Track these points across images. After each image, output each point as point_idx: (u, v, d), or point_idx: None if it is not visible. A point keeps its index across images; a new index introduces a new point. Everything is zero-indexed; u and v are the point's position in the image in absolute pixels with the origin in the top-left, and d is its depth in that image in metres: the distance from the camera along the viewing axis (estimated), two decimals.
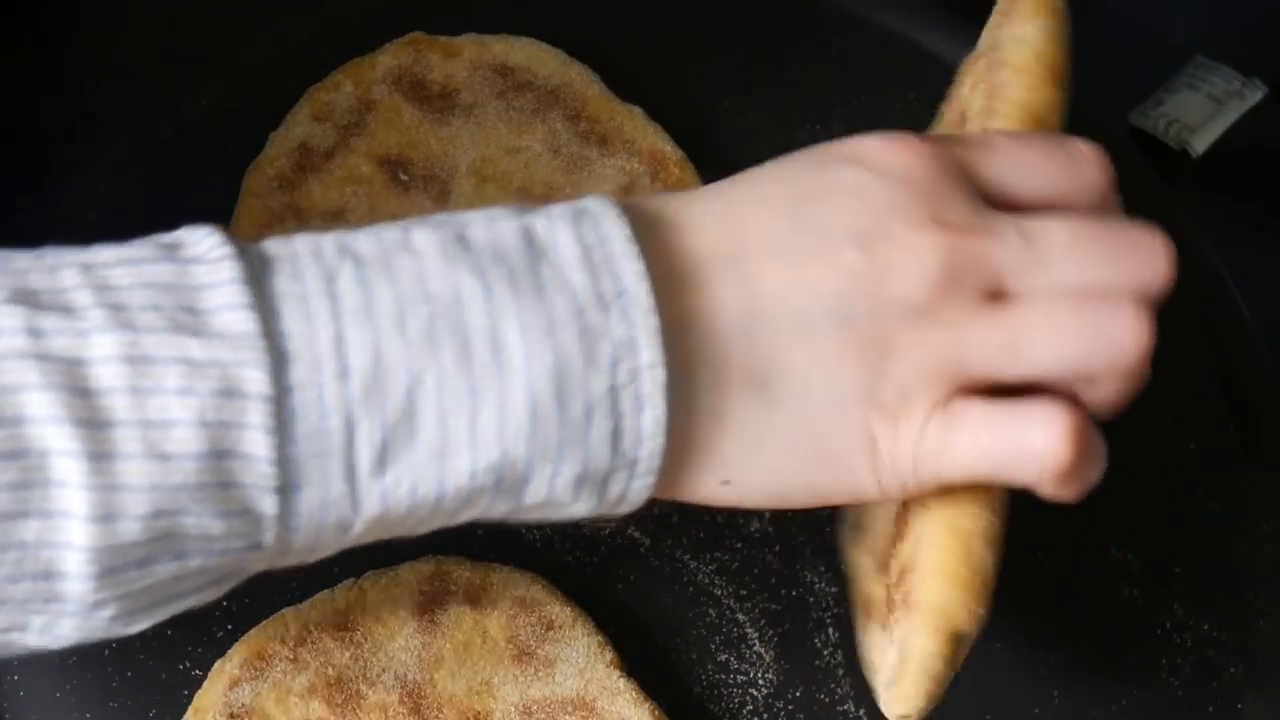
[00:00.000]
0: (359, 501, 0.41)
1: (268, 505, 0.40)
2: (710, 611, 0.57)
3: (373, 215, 0.61)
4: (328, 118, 0.62)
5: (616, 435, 0.42)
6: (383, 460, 0.41)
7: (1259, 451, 0.61)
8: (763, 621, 0.57)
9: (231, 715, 0.54)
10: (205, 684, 0.55)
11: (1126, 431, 0.61)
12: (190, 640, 0.56)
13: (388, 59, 0.63)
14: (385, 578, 0.56)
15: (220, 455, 0.39)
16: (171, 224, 0.62)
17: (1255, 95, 0.67)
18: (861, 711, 0.56)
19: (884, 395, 0.44)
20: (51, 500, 0.38)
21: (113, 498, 0.38)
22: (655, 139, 0.63)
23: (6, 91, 0.64)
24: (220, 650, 0.56)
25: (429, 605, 0.55)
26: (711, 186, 0.47)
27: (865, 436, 0.44)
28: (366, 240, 0.42)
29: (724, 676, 0.57)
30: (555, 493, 0.43)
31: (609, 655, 0.55)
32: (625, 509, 0.44)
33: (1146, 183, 0.64)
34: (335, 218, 0.61)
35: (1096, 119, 0.65)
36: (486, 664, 0.54)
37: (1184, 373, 0.62)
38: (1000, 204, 0.45)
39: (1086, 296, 0.44)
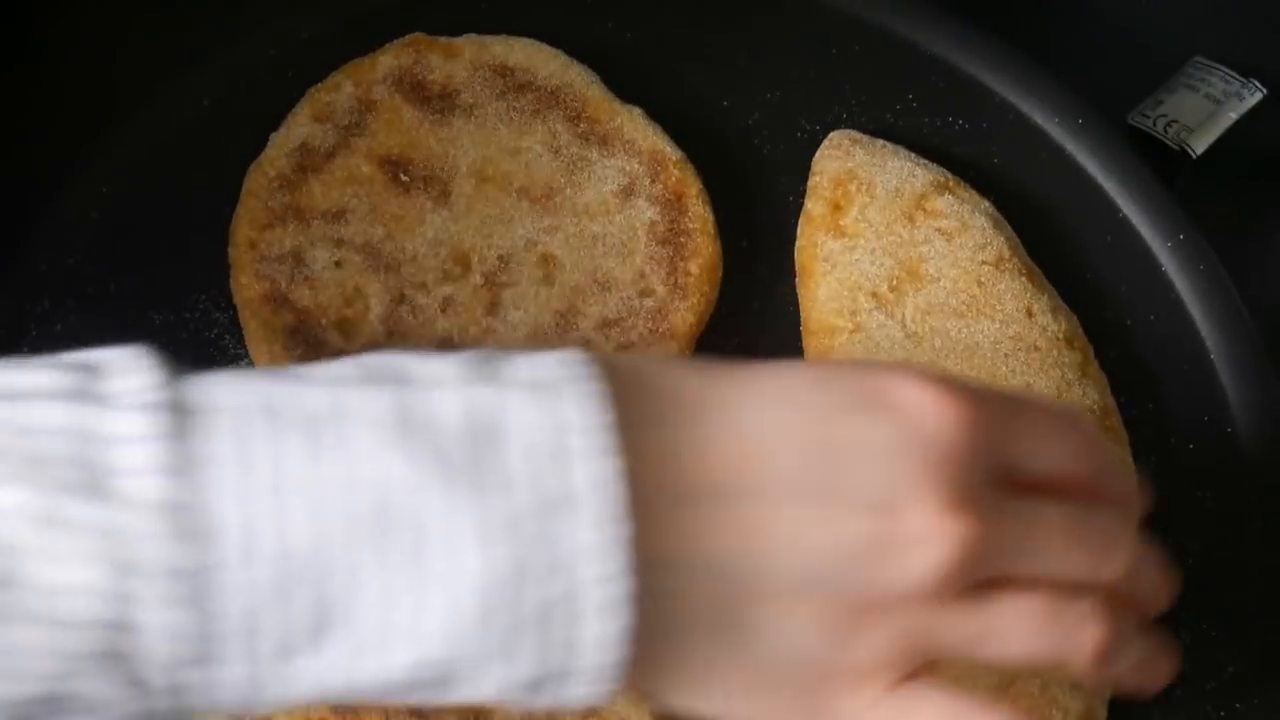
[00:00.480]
0: (264, 685, 0.38)
1: (158, 679, 0.38)
2: None
3: (373, 215, 0.61)
4: (328, 118, 0.62)
5: (567, 646, 0.39)
6: (290, 649, 0.38)
7: (1258, 451, 0.61)
8: None
9: (231, 714, 0.53)
10: None
11: (1126, 431, 0.61)
12: None
13: (388, 59, 0.63)
14: None
15: (118, 627, 0.37)
16: (173, 223, 0.62)
17: (1254, 96, 0.67)
18: None
19: (849, 661, 0.42)
20: None
21: (9, 662, 0.37)
22: (655, 139, 0.63)
23: (7, 91, 0.64)
24: None
25: None
26: (735, 383, 0.43)
27: (822, 695, 0.43)
28: (311, 395, 0.39)
29: None
30: (508, 692, 0.40)
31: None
32: (582, 706, 0.41)
33: (1146, 183, 0.64)
34: (336, 218, 0.61)
35: (1096, 119, 0.66)
36: None
37: (1183, 372, 0.62)
38: (1009, 474, 0.44)
39: (1058, 598, 0.44)
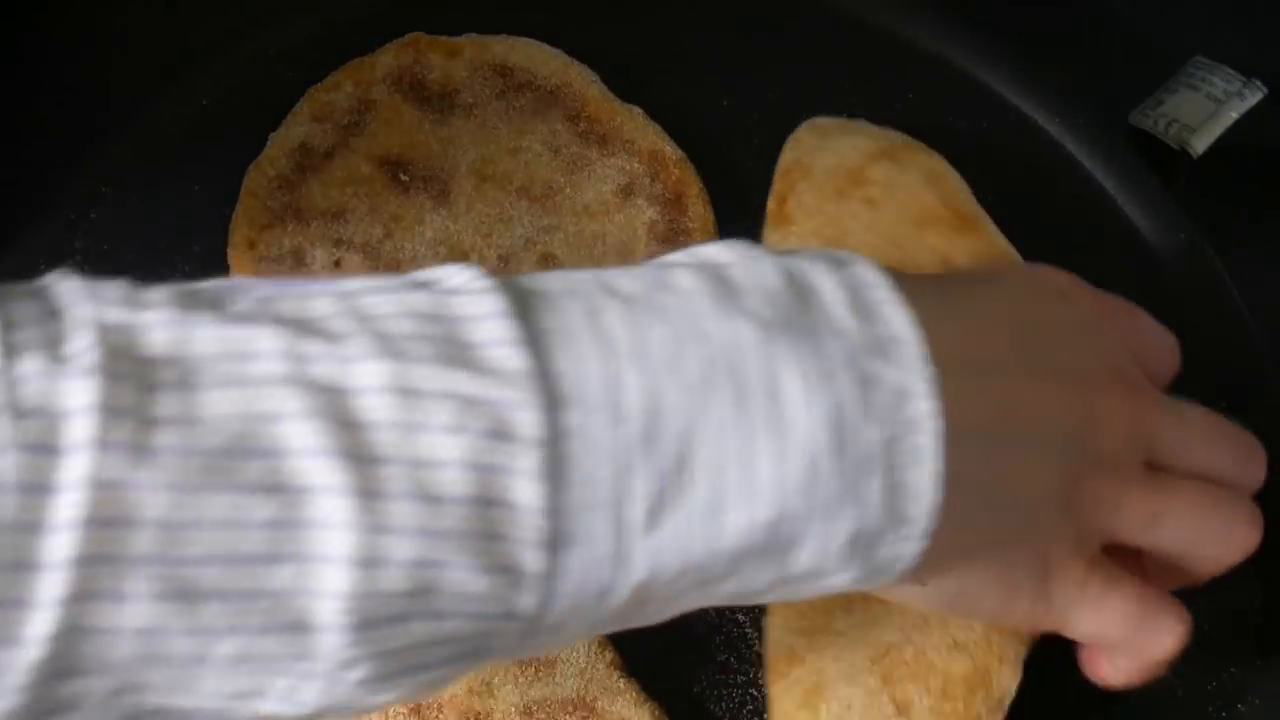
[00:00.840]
0: (627, 561, 0.38)
1: (532, 562, 0.37)
2: (710, 611, 0.57)
3: (373, 215, 0.61)
4: (328, 118, 0.62)
5: (893, 490, 0.40)
6: (655, 515, 0.38)
7: None
8: (763, 621, 0.57)
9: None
10: None
11: None
12: None
13: (388, 59, 0.63)
14: None
15: (488, 503, 0.36)
16: (173, 223, 0.62)
17: (1255, 95, 0.67)
18: None
19: (1069, 535, 0.45)
20: (311, 542, 0.35)
21: (379, 540, 0.35)
22: (655, 139, 0.63)
23: (7, 91, 0.64)
24: None
25: None
26: (925, 282, 0.45)
27: (1044, 567, 0.45)
28: (624, 277, 0.40)
29: (724, 676, 0.57)
30: (826, 557, 0.40)
31: (609, 655, 0.55)
32: (885, 580, 0.42)
33: (1146, 183, 0.64)
34: (335, 218, 0.61)
35: (1096, 119, 0.66)
36: (486, 665, 0.54)
37: (1183, 372, 0.62)
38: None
39: (1220, 490, 0.47)
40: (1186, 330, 0.62)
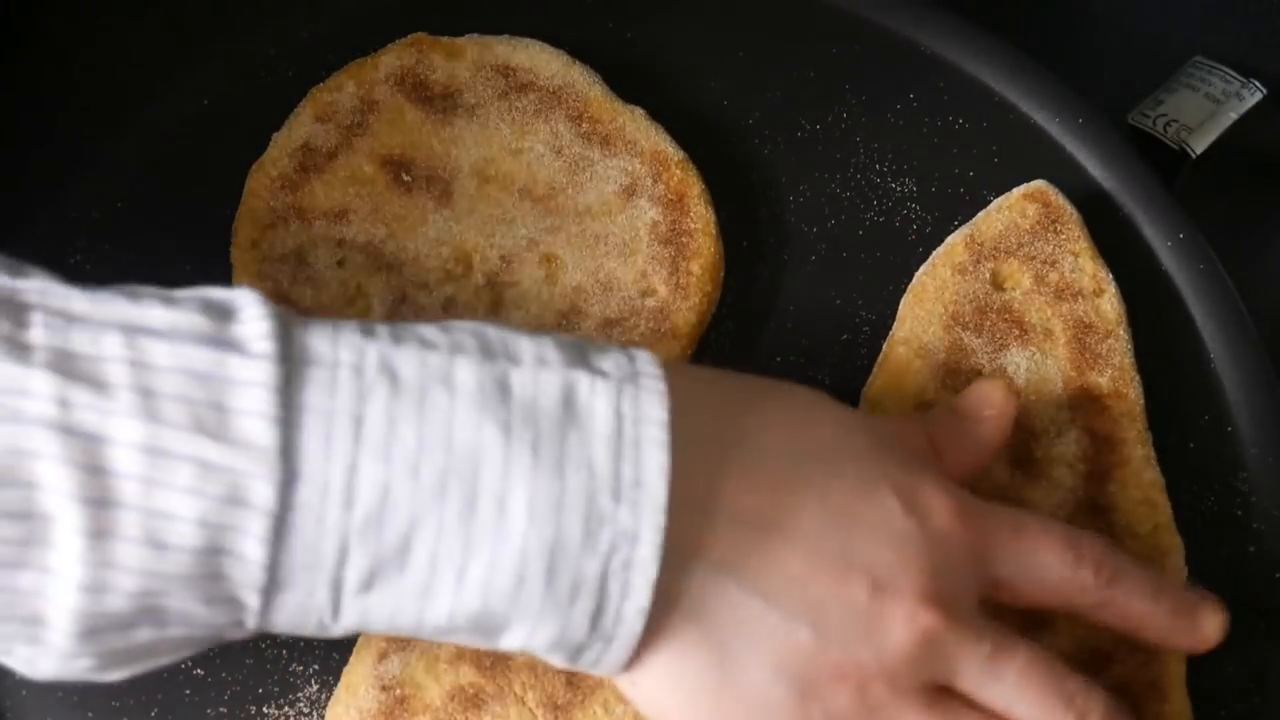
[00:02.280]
0: (338, 611, 0.42)
1: (251, 600, 0.41)
2: None
3: (375, 215, 0.61)
4: (330, 118, 0.62)
5: (598, 614, 0.43)
6: (368, 584, 0.42)
7: (1258, 451, 0.61)
8: None
9: (383, 688, 0.54)
10: (352, 659, 0.55)
11: None
12: None
13: (390, 59, 0.63)
14: None
15: (214, 552, 0.40)
16: (173, 224, 0.62)
17: (1254, 96, 0.67)
18: None
19: (798, 713, 0.45)
20: (49, 561, 0.40)
21: (104, 574, 0.40)
22: (657, 140, 0.63)
23: (8, 92, 0.64)
24: (226, 651, 0.56)
25: None
26: (761, 423, 0.47)
27: None
28: (409, 361, 0.42)
29: None
30: (533, 647, 0.44)
31: None
32: (599, 673, 0.46)
33: (1146, 183, 0.64)
34: (338, 218, 0.61)
35: (1096, 119, 0.66)
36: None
37: (1183, 372, 0.62)
38: (994, 587, 0.49)
39: None
40: (1187, 330, 0.63)
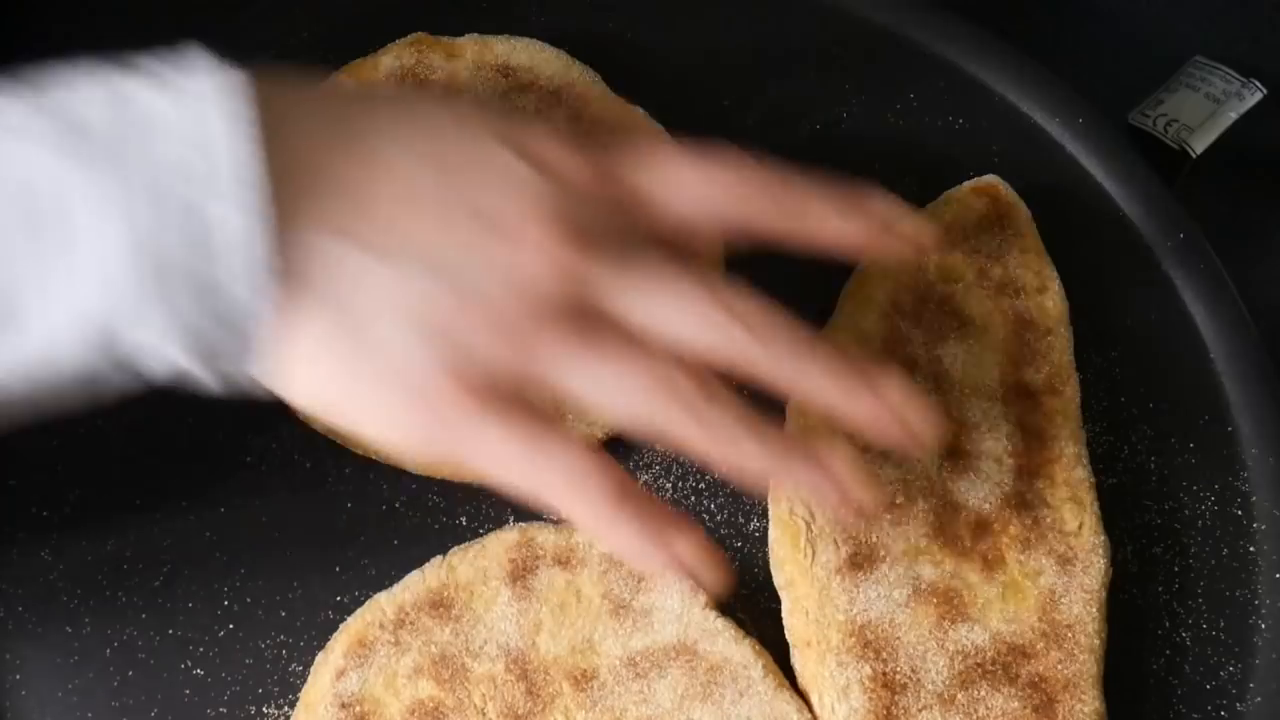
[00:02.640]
0: None
1: None
2: None
3: None
4: None
5: (216, 305, 0.43)
6: None
7: (1258, 451, 0.61)
8: (764, 621, 0.57)
9: (342, 705, 0.54)
10: (310, 678, 0.55)
11: (1126, 431, 0.61)
12: (192, 641, 0.56)
13: (390, 59, 0.63)
14: (472, 551, 0.56)
15: None
16: None
17: (1254, 96, 0.67)
18: None
19: (451, 365, 0.45)
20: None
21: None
22: (661, 136, 0.62)
23: None
24: (226, 651, 0.56)
25: (520, 573, 0.56)
26: (366, 109, 0.47)
27: (420, 385, 0.45)
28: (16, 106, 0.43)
29: None
30: (165, 357, 0.44)
31: (703, 598, 0.55)
32: (257, 381, 0.46)
33: (1146, 183, 0.64)
34: None
35: (1096, 119, 0.66)
36: (585, 622, 0.55)
37: (1183, 372, 0.62)
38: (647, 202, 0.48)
39: (660, 361, 0.46)
40: (1187, 330, 0.63)
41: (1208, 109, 0.67)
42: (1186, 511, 0.60)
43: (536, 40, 0.64)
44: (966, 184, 0.62)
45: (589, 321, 0.46)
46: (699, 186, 0.49)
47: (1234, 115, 0.67)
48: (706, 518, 0.59)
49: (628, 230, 0.48)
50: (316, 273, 0.44)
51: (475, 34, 0.64)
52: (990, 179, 0.62)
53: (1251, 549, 0.59)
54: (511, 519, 0.58)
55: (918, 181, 0.65)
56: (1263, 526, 0.59)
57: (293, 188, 0.44)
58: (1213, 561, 0.59)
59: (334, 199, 0.45)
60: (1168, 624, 0.58)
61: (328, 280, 0.44)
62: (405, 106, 0.48)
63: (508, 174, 0.46)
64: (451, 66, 0.63)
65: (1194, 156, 0.66)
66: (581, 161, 0.47)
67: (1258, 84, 0.67)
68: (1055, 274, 0.61)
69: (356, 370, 0.45)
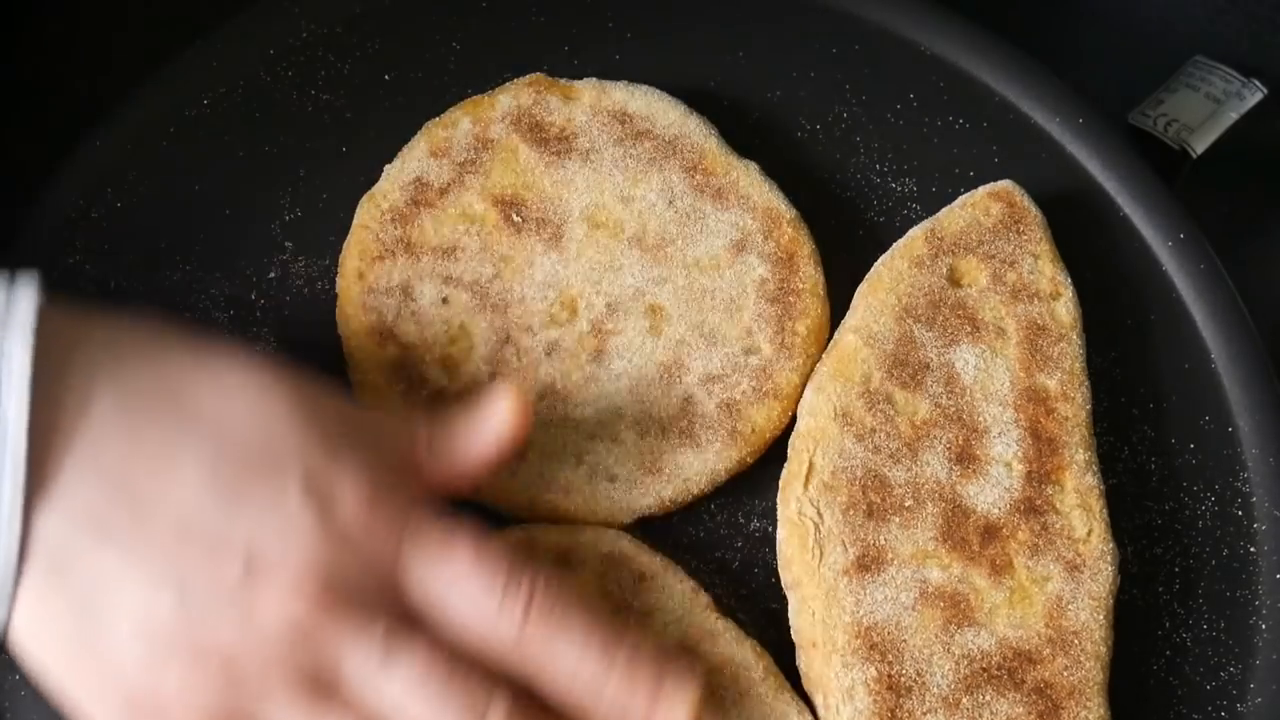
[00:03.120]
0: None
1: None
2: None
3: (484, 254, 0.60)
4: (444, 153, 0.61)
5: None
6: None
7: (1258, 451, 0.61)
8: (763, 621, 0.57)
9: None
10: None
11: (1127, 432, 0.61)
12: None
13: (507, 98, 0.62)
14: None
15: None
16: (172, 223, 0.62)
17: (1255, 95, 0.67)
18: None
19: (162, 693, 0.45)
20: None
21: None
22: (770, 196, 0.61)
23: (7, 91, 0.63)
24: None
25: None
26: (175, 387, 0.46)
27: (133, 703, 0.45)
28: None
29: None
30: None
31: (704, 599, 0.55)
32: None
33: (1146, 183, 0.64)
34: (446, 255, 0.60)
35: (1096, 119, 0.66)
36: None
37: (1183, 372, 0.62)
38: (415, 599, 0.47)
39: None
40: (1187, 330, 0.63)
41: (1208, 109, 0.67)
42: (1187, 512, 0.60)
43: (655, 88, 0.63)
44: (982, 189, 0.62)
45: (321, 688, 0.45)
46: (468, 613, 0.47)
47: (1234, 115, 0.67)
48: (706, 518, 0.59)
49: (390, 594, 0.46)
50: (64, 557, 0.44)
51: (594, 78, 0.64)
52: (1006, 184, 0.62)
53: (1252, 549, 0.59)
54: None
55: (918, 182, 0.65)
56: (1263, 526, 0.60)
57: (68, 465, 0.44)
58: (1213, 562, 0.59)
59: (106, 491, 0.44)
60: (1168, 624, 0.58)
61: (75, 568, 0.44)
62: (224, 397, 0.47)
63: (286, 514, 0.45)
64: (568, 109, 0.62)
65: (1194, 156, 0.66)
66: (372, 517, 0.46)
67: (1258, 84, 0.67)
68: (1069, 281, 0.61)
69: (79, 667, 0.45)
